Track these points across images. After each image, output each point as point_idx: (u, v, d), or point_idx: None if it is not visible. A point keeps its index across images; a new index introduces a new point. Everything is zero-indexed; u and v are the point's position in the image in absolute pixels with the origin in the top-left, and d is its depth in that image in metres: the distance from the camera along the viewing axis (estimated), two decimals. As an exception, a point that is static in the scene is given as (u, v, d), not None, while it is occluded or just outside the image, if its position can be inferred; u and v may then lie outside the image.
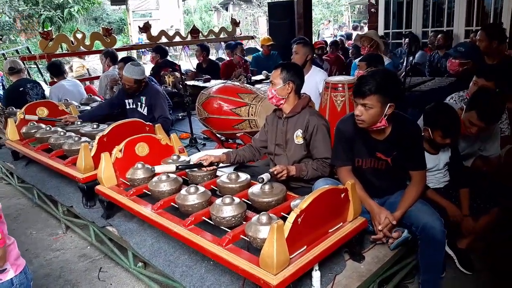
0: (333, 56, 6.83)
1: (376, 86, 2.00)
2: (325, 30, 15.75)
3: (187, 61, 8.53)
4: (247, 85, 3.85)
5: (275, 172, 2.30)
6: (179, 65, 4.58)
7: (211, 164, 2.53)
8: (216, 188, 2.40)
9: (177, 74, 5.15)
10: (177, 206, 2.19)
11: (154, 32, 7.47)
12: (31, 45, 11.56)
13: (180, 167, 2.49)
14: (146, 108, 3.91)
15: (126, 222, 2.60)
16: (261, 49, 6.83)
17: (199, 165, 2.52)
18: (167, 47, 6.88)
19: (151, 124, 3.21)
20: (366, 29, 10.96)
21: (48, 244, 3.20)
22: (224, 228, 1.96)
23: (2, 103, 4.77)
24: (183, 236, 1.99)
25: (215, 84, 4.03)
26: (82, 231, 3.14)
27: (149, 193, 2.39)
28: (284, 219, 1.71)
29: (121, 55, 6.50)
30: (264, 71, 5.83)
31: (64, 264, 2.91)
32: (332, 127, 2.43)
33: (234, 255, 1.77)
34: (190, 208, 2.11)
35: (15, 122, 3.82)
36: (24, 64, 5.41)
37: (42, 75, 8.50)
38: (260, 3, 21.37)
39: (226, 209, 1.94)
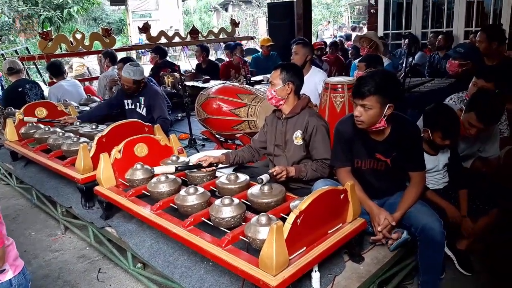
0: (333, 57, 6.83)
1: (375, 87, 2.00)
2: (324, 31, 15.77)
3: (187, 62, 8.53)
4: (247, 86, 3.85)
5: (274, 173, 2.30)
6: (179, 65, 4.57)
7: (210, 165, 2.53)
8: (215, 189, 2.39)
9: (177, 74, 5.15)
10: (176, 207, 2.19)
11: (154, 32, 7.48)
12: (30, 46, 11.54)
13: (179, 168, 2.48)
14: (145, 108, 3.91)
15: (125, 223, 2.59)
16: (260, 50, 6.84)
17: (198, 166, 2.51)
18: (166, 48, 6.88)
19: (150, 124, 3.21)
20: (365, 30, 10.98)
21: (47, 245, 3.20)
22: (224, 229, 1.95)
23: (1, 103, 4.77)
24: (182, 237, 1.98)
25: (214, 85, 4.02)
26: (81, 232, 3.13)
27: (148, 194, 2.39)
28: (284, 220, 1.71)
29: (120, 55, 6.50)
30: (265, 75, 5.82)
31: (63, 265, 2.90)
32: (332, 128, 2.43)
33: (233, 256, 1.77)
34: (189, 209, 2.11)
35: (14, 123, 3.81)
36: (23, 65, 5.41)
37: (41, 76, 8.50)
38: (259, 3, 21.41)
39: (226, 210, 1.94)
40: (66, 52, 6.69)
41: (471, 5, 6.34)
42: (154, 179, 2.39)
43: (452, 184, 2.57)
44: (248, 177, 2.39)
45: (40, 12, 15.61)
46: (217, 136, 3.77)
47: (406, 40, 5.73)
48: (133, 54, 13.59)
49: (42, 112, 4.02)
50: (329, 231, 1.90)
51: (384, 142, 2.18)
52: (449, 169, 2.56)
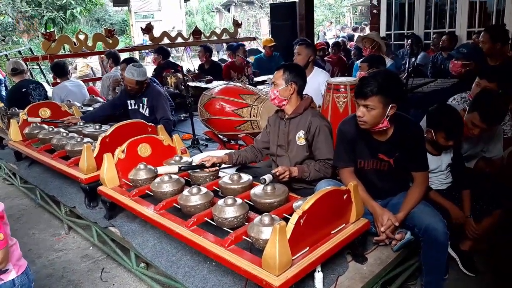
0: (335, 57, 6.82)
1: (378, 87, 2.00)
2: (327, 32, 15.75)
3: (189, 62, 8.55)
4: (249, 86, 3.85)
5: (277, 173, 2.30)
6: (181, 66, 4.58)
7: (213, 165, 2.53)
8: (218, 189, 2.40)
9: (179, 75, 5.15)
10: (179, 207, 2.20)
11: (156, 33, 7.50)
12: (34, 46, 11.61)
13: (182, 168, 2.49)
14: (148, 109, 3.92)
15: (128, 223, 2.60)
16: (263, 50, 6.84)
17: (201, 166, 2.52)
18: (169, 48, 6.89)
19: (153, 125, 3.22)
20: (367, 30, 10.97)
21: (51, 244, 3.21)
22: (227, 229, 1.96)
23: (5, 104, 4.79)
24: (185, 236, 1.99)
25: (217, 85, 4.03)
26: (85, 232, 3.14)
27: (152, 194, 2.40)
28: (287, 220, 1.71)
29: (123, 56, 6.52)
30: (268, 76, 5.81)
31: (67, 265, 2.91)
32: (334, 128, 2.43)
33: (236, 256, 1.77)
34: (192, 209, 2.12)
35: (18, 123, 3.83)
36: (27, 65, 5.43)
37: (44, 76, 8.53)
38: (262, 4, 21.42)
39: (229, 210, 1.94)
40: (69, 52, 6.72)
41: (473, 5, 6.33)
42: (157, 179, 2.40)
43: (455, 185, 2.56)
44: (251, 177, 2.39)
45: (43, 13, 15.66)
46: (220, 136, 3.77)
47: (409, 40, 5.70)
48: (136, 54, 13.62)
49: (46, 112, 4.04)
50: (332, 232, 1.90)
51: (387, 142, 2.18)
52: (452, 170, 2.55)
